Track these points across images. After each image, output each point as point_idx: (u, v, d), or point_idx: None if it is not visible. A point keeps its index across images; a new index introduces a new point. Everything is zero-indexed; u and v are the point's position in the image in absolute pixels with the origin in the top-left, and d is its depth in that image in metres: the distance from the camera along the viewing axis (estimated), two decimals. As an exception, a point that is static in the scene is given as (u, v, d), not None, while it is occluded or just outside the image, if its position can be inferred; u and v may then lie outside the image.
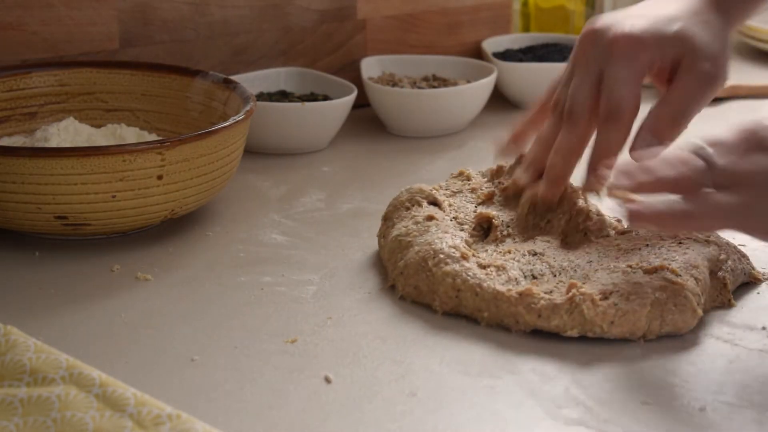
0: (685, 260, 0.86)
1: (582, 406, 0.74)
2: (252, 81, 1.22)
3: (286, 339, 0.82)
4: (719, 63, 0.89)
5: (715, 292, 0.87)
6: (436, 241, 0.88)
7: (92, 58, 1.16)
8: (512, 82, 1.32)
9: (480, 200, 0.97)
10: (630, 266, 0.86)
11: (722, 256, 0.88)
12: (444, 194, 0.97)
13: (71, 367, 0.70)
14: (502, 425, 0.72)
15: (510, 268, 0.87)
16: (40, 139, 1.01)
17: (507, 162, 1.00)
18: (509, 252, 0.90)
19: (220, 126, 0.96)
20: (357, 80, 1.26)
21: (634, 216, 0.80)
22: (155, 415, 0.67)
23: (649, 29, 0.89)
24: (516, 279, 0.86)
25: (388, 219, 0.95)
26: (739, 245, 0.93)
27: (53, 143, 1.01)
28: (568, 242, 0.92)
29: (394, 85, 1.25)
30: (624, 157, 0.88)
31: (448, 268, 0.86)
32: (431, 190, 0.96)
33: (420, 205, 0.95)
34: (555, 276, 0.87)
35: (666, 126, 0.89)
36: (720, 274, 0.87)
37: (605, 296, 0.82)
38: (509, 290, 0.83)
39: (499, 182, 0.98)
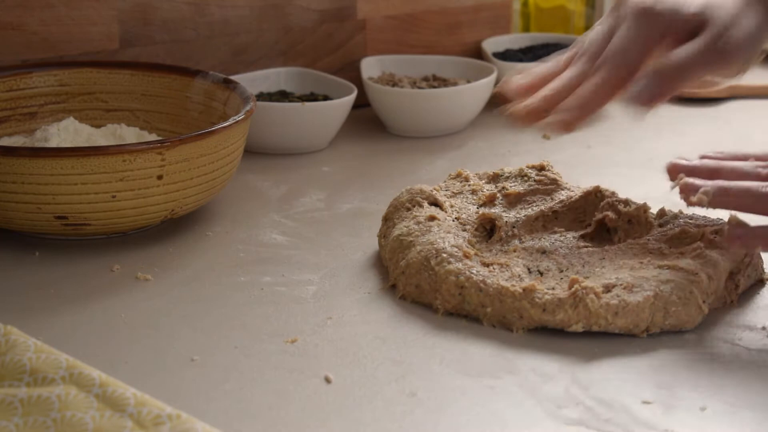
0: (705, 259, 0.86)
1: (582, 406, 0.74)
2: (252, 81, 1.22)
3: (286, 339, 0.82)
4: (735, 44, 0.87)
5: (725, 292, 0.87)
6: (438, 240, 0.89)
7: (92, 58, 1.16)
8: (512, 82, 1.32)
9: (481, 202, 0.97)
10: (641, 262, 0.86)
11: (746, 259, 0.89)
12: (444, 195, 0.97)
13: (71, 367, 0.70)
14: (502, 425, 0.72)
15: (514, 265, 0.87)
16: (40, 139, 1.01)
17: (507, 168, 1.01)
18: (514, 251, 0.90)
19: (220, 126, 0.96)
20: (357, 80, 1.26)
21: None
22: (155, 415, 0.67)
23: (670, 5, 0.89)
24: (519, 275, 0.86)
25: (388, 219, 0.95)
26: None
27: (53, 143, 1.01)
28: (591, 239, 0.92)
29: (394, 85, 1.25)
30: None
31: (451, 266, 0.86)
32: (432, 191, 0.97)
33: (421, 206, 0.95)
34: (561, 272, 0.87)
35: (661, 76, 0.87)
36: (737, 277, 0.88)
37: (608, 289, 0.83)
38: (513, 285, 0.83)
39: (503, 187, 0.98)
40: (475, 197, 0.97)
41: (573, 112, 0.88)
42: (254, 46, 1.25)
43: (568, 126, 0.89)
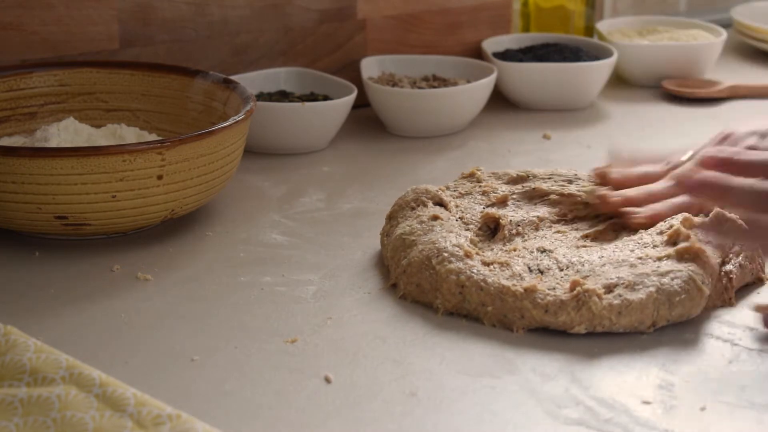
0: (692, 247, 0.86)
1: (582, 406, 0.74)
2: (252, 81, 1.22)
3: (286, 339, 0.82)
4: None
5: (721, 286, 0.87)
6: (440, 240, 0.89)
7: (92, 58, 1.16)
8: (512, 82, 1.32)
9: (491, 202, 0.96)
10: (640, 258, 0.86)
11: (735, 248, 0.89)
12: (451, 195, 0.97)
13: (71, 367, 0.70)
14: (502, 425, 0.72)
15: (514, 264, 0.87)
16: (40, 139, 1.01)
17: (523, 170, 1.01)
18: (515, 250, 0.90)
19: (220, 126, 0.96)
20: (357, 80, 1.26)
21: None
22: (155, 415, 0.67)
23: None
24: (520, 274, 0.86)
25: (392, 218, 0.96)
26: None
27: (53, 143, 1.01)
28: (594, 239, 0.92)
29: (394, 85, 1.25)
30: None
31: (452, 266, 0.86)
32: (437, 191, 0.97)
33: (425, 206, 0.95)
34: (561, 270, 0.87)
35: None
36: (727, 267, 0.88)
37: (609, 289, 0.83)
38: (514, 285, 0.84)
39: (534, 188, 0.98)
40: (485, 198, 0.97)
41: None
42: (254, 46, 1.25)
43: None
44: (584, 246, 0.91)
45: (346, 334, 0.83)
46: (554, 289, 0.84)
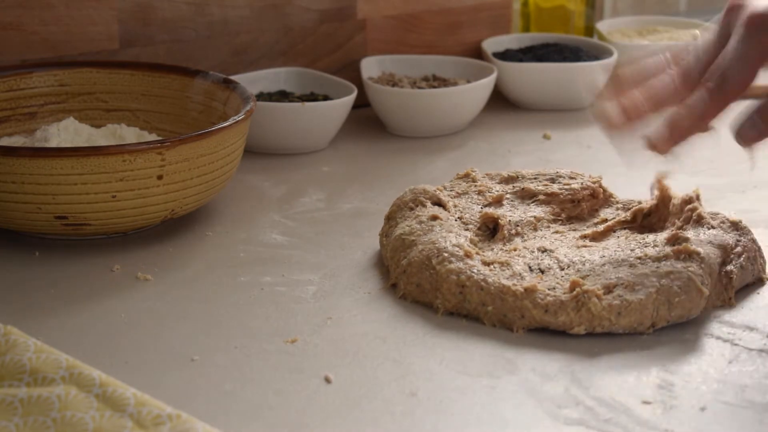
0: (697, 240, 0.87)
1: (582, 406, 0.74)
2: (252, 81, 1.22)
3: (286, 339, 0.82)
4: None
5: (721, 286, 0.87)
6: (440, 239, 0.89)
7: (92, 58, 1.16)
8: (512, 82, 1.32)
9: (487, 202, 0.97)
10: (639, 258, 0.86)
11: (737, 249, 0.89)
12: (448, 195, 0.97)
13: (71, 367, 0.70)
14: (502, 425, 0.72)
15: (515, 263, 0.87)
16: (40, 139, 1.01)
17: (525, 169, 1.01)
18: (515, 250, 0.90)
19: (220, 126, 0.96)
20: (357, 80, 1.26)
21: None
22: (155, 415, 0.67)
23: None
24: (520, 274, 0.86)
25: (391, 218, 0.96)
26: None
27: (53, 143, 1.01)
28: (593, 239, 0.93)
29: (394, 85, 1.25)
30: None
31: (452, 266, 0.86)
32: (435, 191, 0.97)
33: (424, 206, 0.95)
34: (562, 270, 0.87)
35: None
36: (728, 267, 0.88)
37: (609, 290, 0.83)
38: (514, 284, 0.84)
39: (522, 188, 0.98)
40: (481, 198, 0.97)
41: (665, 138, 0.84)
42: (254, 46, 1.25)
43: (659, 149, 0.85)
44: (584, 246, 0.91)
45: (346, 334, 0.83)
46: (554, 288, 0.84)
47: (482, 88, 1.25)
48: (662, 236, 0.90)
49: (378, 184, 1.12)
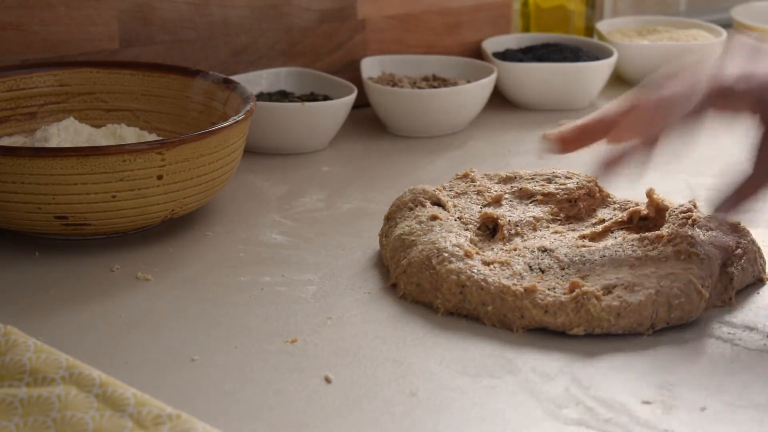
0: (694, 248, 0.87)
1: (582, 406, 0.74)
2: (252, 81, 1.22)
3: (286, 339, 0.82)
4: None
5: (721, 286, 0.87)
6: (440, 239, 0.89)
7: (92, 58, 1.16)
8: (512, 82, 1.32)
9: (487, 202, 0.97)
10: (639, 258, 0.86)
11: (738, 251, 0.89)
12: (447, 195, 0.97)
13: (71, 367, 0.70)
14: (502, 425, 0.72)
15: (515, 263, 0.87)
16: (40, 139, 1.01)
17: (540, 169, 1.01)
18: (515, 249, 0.90)
19: (220, 126, 0.96)
20: (357, 80, 1.26)
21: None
22: (155, 415, 0.67)
23: (757, 82, 0.82)
24: (520, 274, 0.86)
25: (390, 219, 0.96)
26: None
27: (53, 143, 1.01)
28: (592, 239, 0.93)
29: (394, 85, 1.25)
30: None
31: (452, 266, 0.86)
32: (434, 191, 0.97)
33: (423, 206, 0.95)
34: (562, 269, 0.87)
35: (746, 189, 0.83)
36: (730, 269, 0.88)
37: (609, 290, 0.83)
38: (514, 284, 0.84)
39: (520, 188, 0.98)
40: (480, 198, 0.97)
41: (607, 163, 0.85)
42: (254, 46, 1.25)
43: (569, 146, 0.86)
44: (583, 246, 0.91)
45: (346, 334, 0.83)
46: (554, 288, 0.84)
47: (482, 88, 1.25)
48: (662, 232, 0.90)
49: (378, 184, 1.12)
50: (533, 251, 0.90)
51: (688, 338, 0.83)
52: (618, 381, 0.77)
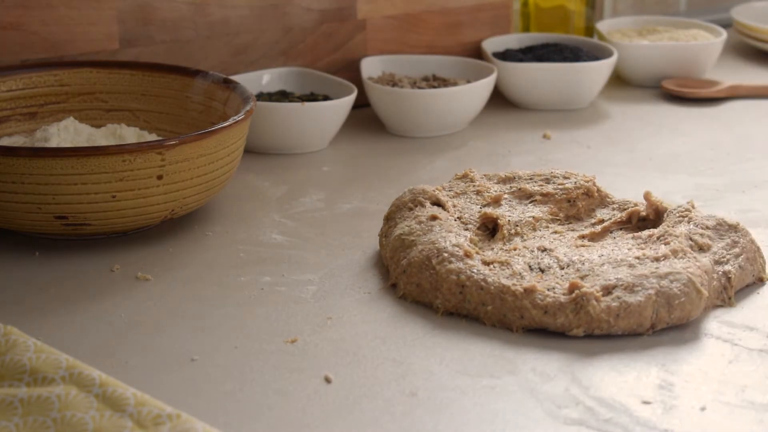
0: (684, 250, 0.87)
1: (582, 406, 0.74)
2: (252, 81, 1.22)
3: (286, 339, 0.82)
4: None
5: (720, 286, 0.87)
6: (439, 240, 0.89)
7: (92, 58, 1.16)
8: (512, 82, 1.32)
9: (486, 202, 0.97)
10: (638, 258, 0.86)
11: (735, 250, 0.89)
12: (447, 195, 0.97)
13: (71, 367, 0.70)
14: (502, 425, 0.72)
15: (514, 263, 0.87)
16: (40, 139, 1.01)
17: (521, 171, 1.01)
18: (515, 249, 0.90)
19: (220, 126, 0.96)
20: (357, 80, 1.26)
21: None
22: (155, 415, 0.67)
23: None
24: (520, 273, 0.86)
25: (390, 219, 0.96)
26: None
27: (53, 143, 1.01)
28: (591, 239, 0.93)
29: (394, 85, 1.25)
30: None
31: (452, 266, 0.86)
32: (434, 191, 0.97)
33: (423, 206, 0.95)
34: (562, 269, 0.87)
35: None
36: (727, 267, 0.88)
37: (608, 291, 0.83)
38: (514, 284, 0.84)
39: (519, 188, 0.99)
40: (479, 198, 0.97)
41: None
42: (254, 46, 1.25)
43: None
44: (583, 246, 0.91)
45: (346, 334, 0.83)
46: (553, 288, 0.84)
47: (482, 88, 1.25)
48: (660, 231, 0.90)
49: (378, 184, 1.12)
50: (533, 251, 0.90)
51: (688, 338, 0.83)
52: (618, 381, 0.77)
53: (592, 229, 0.94)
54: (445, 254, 0.87)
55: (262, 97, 1.22)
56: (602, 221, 0.96)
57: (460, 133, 1.26)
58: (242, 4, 1.24)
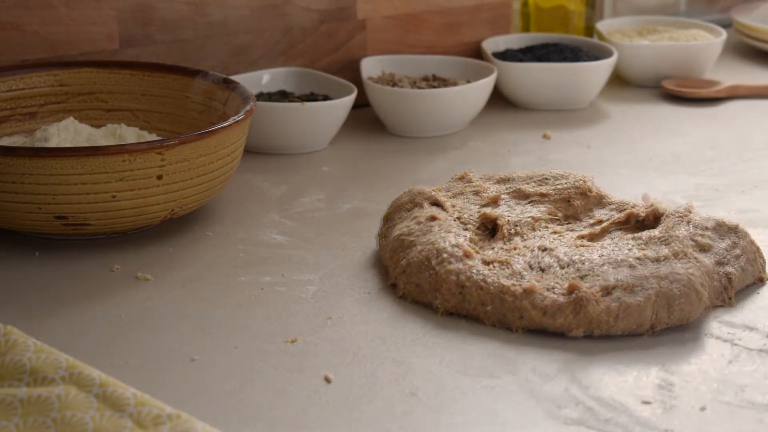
0: (686, 253, 0.87)
1: (582, 406, 0.74)
2: (252, 81, 1.22)
3: (286, 339, 0.82)
4: None
5: (720, 286, 0.87)
6: (439, 240, 0.89)
7: (92, 58, 1.16)
8: (512, 82, 1.32)
9: (484, 202, 0.97)
10: (638, 258, 0.86)
11: (736, 251, 0.89)
12: (445, 196, 0.97)
13: (71, 367, 0.70)
14: (502, 425, 0.72)
15: (515, 262, 0.87)
16: (40, 139, 1.01)
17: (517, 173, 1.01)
18: (515, 249, 0.90)
19: (220, 126, 0.96)
20: (357, 80, 1.26)
21: None
22: (155, 415, 0.67)
23: None
24: (520, 273, 0.86)
25: (388, 220, 0.96)
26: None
27: (53, 143, 1.01)
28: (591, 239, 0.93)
29: (394, 85, 1.25)
30: None
31: (451, 266, 0.86)
32: (432, 192, 0.97)
33: (421, 206, 0.95)
34: (562, 268, 0.87)
35: None
36: (728, 268, 0.88)
37: (608, 291, 0.83)
38: (514, 285, 0.84)
39: (517, 189, 0.98)
40: (478, 198, 0.97)
41: None
42: (254, 46, 1.25)
43: None
44: (582, 245, 0.91)
45: (346, 334, 0.83)
46: (553, 288, 0.84)
47: (482, 88, 1.25)
48: (660, 233, 0.90)
49: (378, 184, 1.12)
50: (533, 250, 0.90)
51: (688, 338, 0.83)
52: (618, 381, 0.77)
53: (591, 230, 0.94)
54: (445, 255, 0.87)
55: (262, 97, 1.22)
56: (601, 221, 0.96)
57: (460, 133, 1.26)
58: (242, 4, 1.24)
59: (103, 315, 0.85)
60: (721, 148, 1.22)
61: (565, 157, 1.19)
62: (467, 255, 0.87)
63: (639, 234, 0.91)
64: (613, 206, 0.98)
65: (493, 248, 0.91)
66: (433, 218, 0.92)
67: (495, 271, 0.86)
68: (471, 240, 0.91)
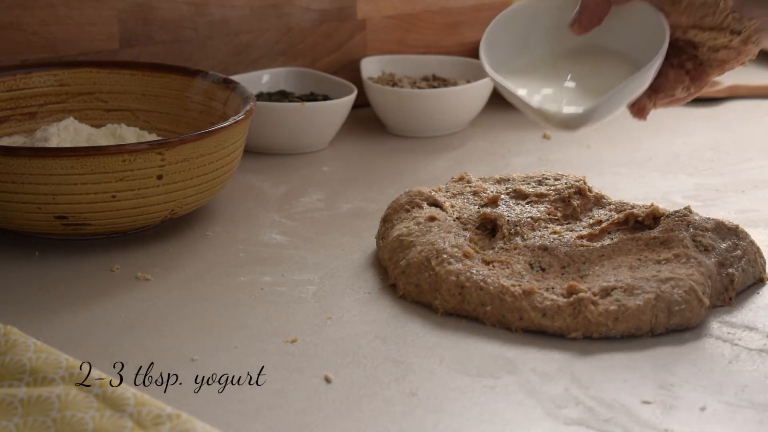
0: (688, 255, 0.86)
1: (582, 406, 0.74)
2: (252, 81, 1.22)
3: (286, 339, 0.82)
4: None
5: (721, 287, 0.87)
6: (438, 240, 0.89)
7: (92, 58, 1.16)
8: (512, 82, 1.32)
9: (483, 202, 0.97)
10: (639, 259, 0.86)
11: (737, 252, 0.89)
12: (444, 196, 0.97)
13: (71, 367, 0.70)
14: (502, 425, 0.72)
15: (515, 262, 0.87)
16: (40, 139, 1.01)
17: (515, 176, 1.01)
18: (515, 249, 0.90)
19: (220, 126, 0.96)
20: (357, 80, 1.26)
21: None
22: (155, 415, 0.67)
23: None
24: (520, 273, 0.86)
25: (387, 220, 0.96)
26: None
27: (53, 143, 1.01)
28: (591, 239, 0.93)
29: (394, 85, 1.25)
30: None
31: (451, 266, 0.86)
32: (431, 192, 0.97)
33: (420, 207, 0.95)
34: (562, 268, 0.87)
35: None
36: (730, 270, 0.88)
37: (607, 293, 0.83)
38: (513, 285, 0.84)
39: (514, 189, 0.99)
40: (477, 198, 0.97)
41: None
42: (254, 46, 1.25)
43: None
44: (582, 245, 0.91)
45: (346, 334, 0.83)
46: (553, 288, 0.84)
47: (482, 88, 1.25)
48: (661, 234, 0.90)
49: (378, 184, 1.12)
50: (534, 250, 0.90)
51: (688, 338, 0.83)
52: (618, 381, 0.77)
53: (591, 231, 0.94)
54: (445, 255, 0.87)
55: (262, 97, 1.22)
56: (600, 222, 0.96)
57: (460, 133, 1.26)
58: (242, 4, 1.24)
59: (103, 315, 0.85)
60: (721, 148, 1.22)
61: (565, 157, 1.19)
62: (467, 255, 0.87)
63: (639, 234, 0.91)
64: (612, 206, 0.98)
65: (493, 248, 0.91)
66: (432, 219, 0.92)
67: (495, 272, 0.86)
68: (471, 240, 0.91)
